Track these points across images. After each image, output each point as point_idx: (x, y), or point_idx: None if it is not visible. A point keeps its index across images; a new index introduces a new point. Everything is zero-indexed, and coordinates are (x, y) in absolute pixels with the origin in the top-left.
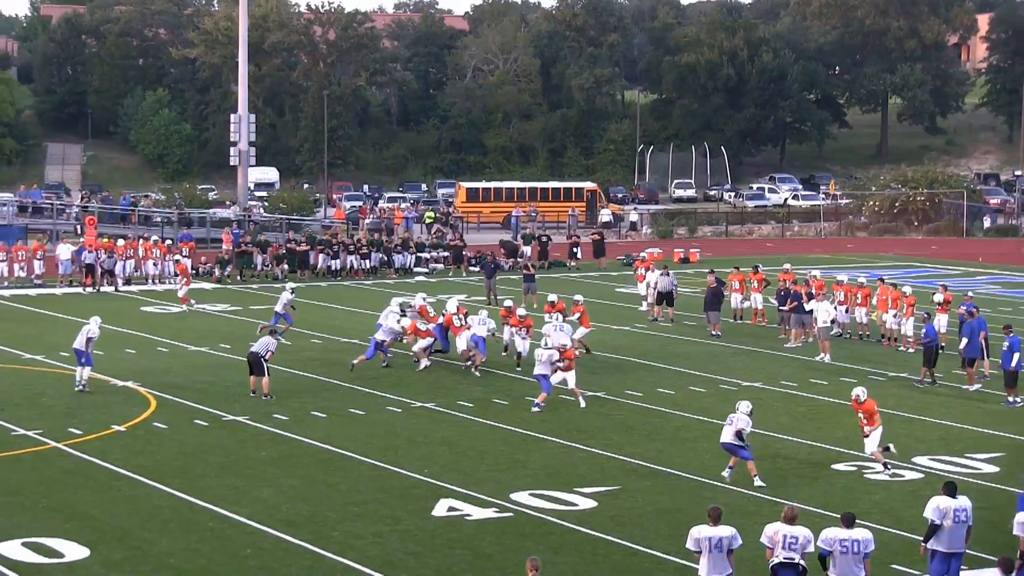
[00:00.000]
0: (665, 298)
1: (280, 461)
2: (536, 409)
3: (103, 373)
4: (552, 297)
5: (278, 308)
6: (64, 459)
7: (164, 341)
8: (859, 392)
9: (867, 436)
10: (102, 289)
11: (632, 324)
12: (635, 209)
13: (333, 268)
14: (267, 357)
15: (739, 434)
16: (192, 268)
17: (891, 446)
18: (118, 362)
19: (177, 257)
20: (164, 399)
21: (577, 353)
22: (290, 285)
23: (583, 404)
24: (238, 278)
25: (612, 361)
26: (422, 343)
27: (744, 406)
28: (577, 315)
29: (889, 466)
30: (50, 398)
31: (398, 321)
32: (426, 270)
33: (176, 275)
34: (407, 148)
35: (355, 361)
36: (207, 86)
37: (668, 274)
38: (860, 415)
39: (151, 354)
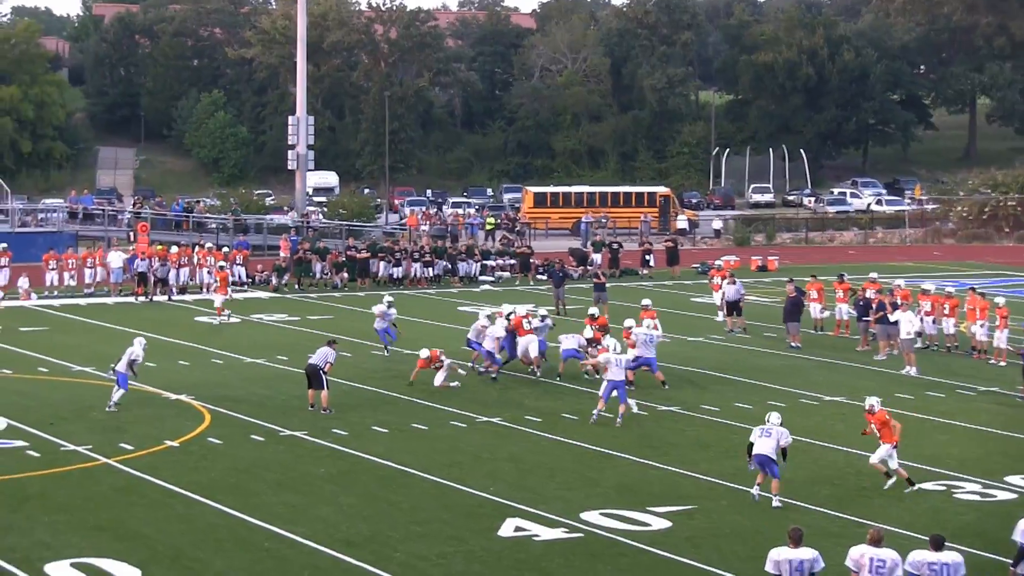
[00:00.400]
0: (733, 307)
1: (339, 478)
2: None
3: (155, 386)
4: (593, 310)
5: (379, 325)
6: (114, 475)
7: (219, 352)
8: (873, 402)
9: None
10: (155, 298)
11: (707, 335)
12: (718, 215)
13: (395, 276)
14: (326, 369)
15: (783, 451)
16: (248, 276)
17: (893, 480)
18: (171, 374)
19: (220, 263)
20: (218, 413)
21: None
22: (387, 298)
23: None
24: (296, 287)
25: (687, 374)
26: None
27: (775, 417)
28: (649, 320)
29: (892, 474)
30: (100, 412)
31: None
32: (492, 279)
33: (216, 284)
34: (471, 151)
35: (482, 368)
36: (264, 87)
37: (735, 282)
38: (872, 426)
39: (205, 366)
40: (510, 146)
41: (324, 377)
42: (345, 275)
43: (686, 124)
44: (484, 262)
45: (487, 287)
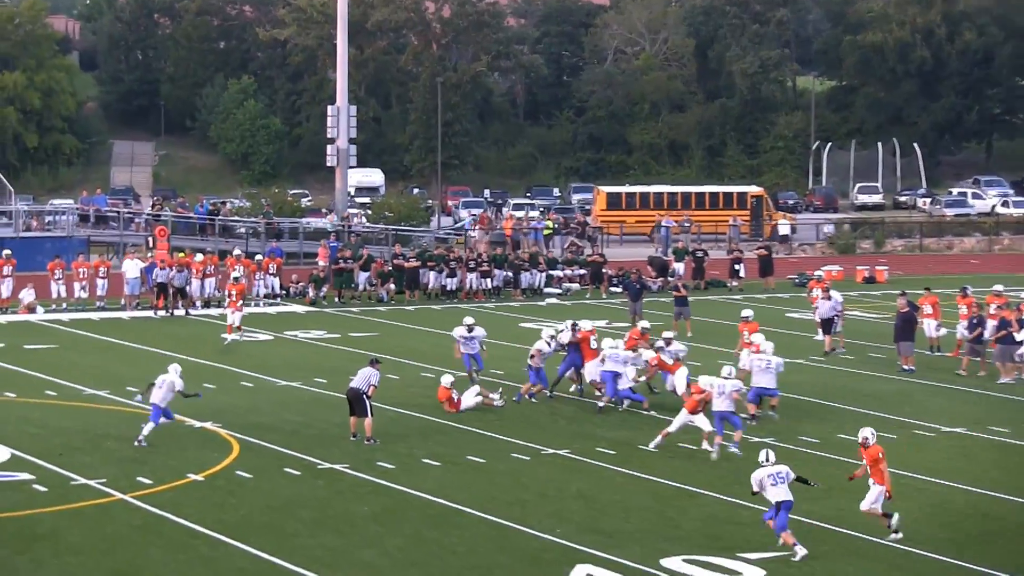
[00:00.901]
0: (827, 325)
1: (385, 517)
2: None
3: (177, 412)
4: (644, 324)
5: (465, 350)
6: (132, 513)
7: (248, 374)
8: (867, 435)
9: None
10: (175, 312)
11: (806, 356)
12: (820, 219)
13: (448, 288)
14: (369, 393)
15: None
16: (282, 288)
17: (894, 522)
18: (194, 399)
19: (235, 274)
20: (248, 443)
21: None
22: (467, 320)
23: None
24: (336, 300)
25: (782, 401)
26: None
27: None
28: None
29: (893, 527)
30: (116, 441)
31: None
32: (559, 291)
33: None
34: (536, 145)
35: (601, 404)
36: (300, 73)
37: (830, 296)
38: (864, 463)
39: (233, 389)
40: (580, 140)
41: (368, 402)
42: (392, 286)
43: (782, 114)
44: (550, 272)
45: (553, 301)
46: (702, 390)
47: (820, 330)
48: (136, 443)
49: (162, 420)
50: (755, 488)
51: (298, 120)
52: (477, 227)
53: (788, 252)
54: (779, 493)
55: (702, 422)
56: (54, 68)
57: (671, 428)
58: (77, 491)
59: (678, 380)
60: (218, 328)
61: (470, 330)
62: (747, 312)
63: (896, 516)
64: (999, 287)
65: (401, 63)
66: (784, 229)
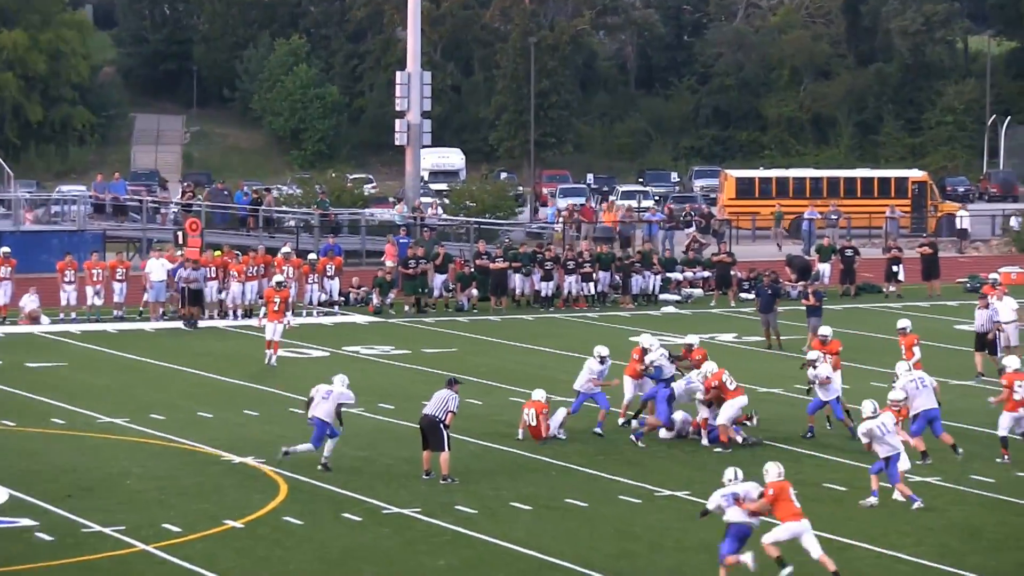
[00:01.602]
0: (980, 341)
1: (465, 572)
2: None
3: (211, 444)
4: (692, 339)
5: (584, 386)
6: (157, 567)
7: (298, 399)
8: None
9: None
10: (200, 322)
11: (979, 377)
12: (1005, 211)
13: (543, 293)
14: (447, 421)
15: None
16: (340, 294)
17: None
18: (233, 428)
19: (279, 278)
20: (298, 482)
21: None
22: (600, 350)
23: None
24: (405, 308)
25: (950, 432)
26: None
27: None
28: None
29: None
30: (138, 480)
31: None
32: (678, 297)
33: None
34: (650, 120)
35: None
36: (362, 32)
37: (988, 305)
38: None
39: (280, 417)
40: (703, 113)
41: (445, 433)
42: (474, 292)
43: (950, 83)
44: (667, 275)
45: (671, 309)
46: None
47: (1003, 344)
48: (320, 467)
49: (327, 439)
50: (710, 508)
51: (360, 89)
52: (579, 219)
53: (959, 250)
54: (734, 516)
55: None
56: (63, 25)
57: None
58: (90, 540)
59: (726, 409)
60: (259, 343)
61: (602, 362)
62: (904, 323)
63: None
64: None
65: (486, 19)
66: (962, 222)
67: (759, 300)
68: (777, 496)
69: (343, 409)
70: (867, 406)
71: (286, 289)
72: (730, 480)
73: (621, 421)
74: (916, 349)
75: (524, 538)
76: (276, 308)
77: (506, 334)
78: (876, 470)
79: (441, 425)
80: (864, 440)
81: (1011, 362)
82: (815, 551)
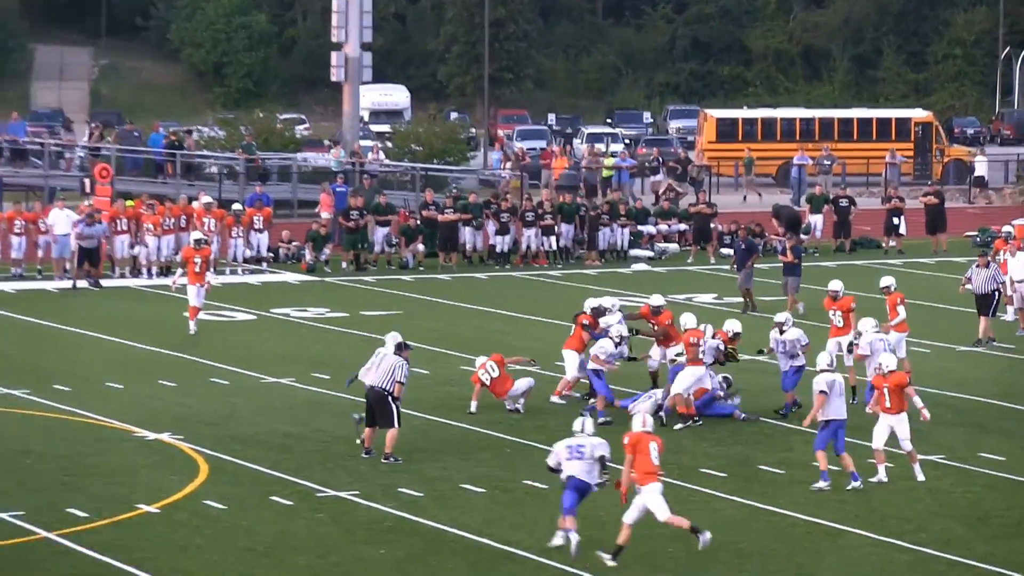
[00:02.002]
0: (983, 305)
1: (410, 564)
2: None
3: (122, 419)
4: (656, 300)
5: (593, 363)
6: (60, 558)
7: (222, 368)
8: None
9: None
10: (79, 283)
11: (989, 344)
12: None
13: (499, 249)
14: (395, 392)
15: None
16: (269, 249)
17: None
18: (147, 401)
19: (198, 236)
20: (221, 461)
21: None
22: (619, 325)
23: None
24: (343, 265)
25: (954, 405)
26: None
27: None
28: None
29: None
30: (38, 460)
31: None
32: (650, 253)
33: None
34: (619, 54)
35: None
36: None
37: (988, 264)
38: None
39: (200, 389)
40: (680, 46)
41: (394, 406)
42: (421, 247)
43: (958, 10)
44: (639, 228)
45: (642, 267)
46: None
47: (1018, 304)
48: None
49: None
50: (551, 464)
51: (291, 18)
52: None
53: (968, 200)
54: (572, 468)
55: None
56: None
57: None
58: None
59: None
60: (177, 305)
61: (620, 343)
62: (887, 280)
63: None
64: None
65: None
66: (980, 168)
67: (735, 256)
68: (634, 447)
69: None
70: (823, 358)
71: (207, 247)
72: (578, 431)
73: (554, 399)
74: (901, 308)
75: (477, 525)
76: (197, 270)
77: (456, 294)
78: (822, 445)
79: (390, 397)
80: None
81: None
82: (662, 513)
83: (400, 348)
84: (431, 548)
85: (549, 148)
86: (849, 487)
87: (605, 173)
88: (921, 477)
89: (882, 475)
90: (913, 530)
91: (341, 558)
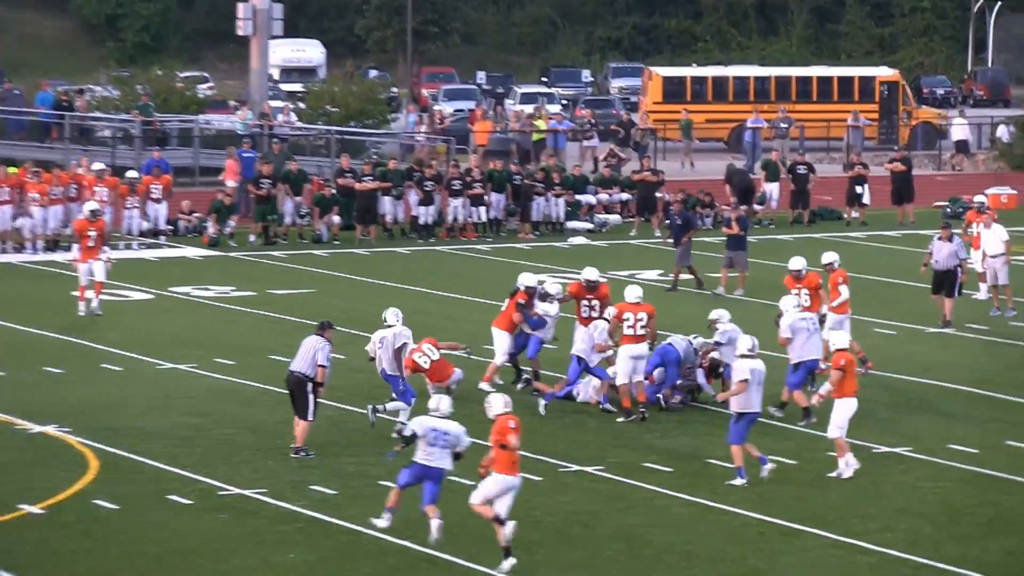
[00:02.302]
0: (943, 282)
1: (322, 568)
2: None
3: (2, 410)
4: (591, 275)
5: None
6: None
7: (115, 352)
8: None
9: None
10: None
11: (962, 325)
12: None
13: (422, 221)
14: (318, 378)
15: None
16: (168, 221)
17: None
18: (30, 389)
19: (93, 206)
20: (113, 456)
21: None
22: (554, 301)
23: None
24: (250, 239)
25: (920, 391)
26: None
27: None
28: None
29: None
30: None
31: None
32: (590, 225)
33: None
34: (556, 6)
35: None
36: None
37: (952, 237)
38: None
39: (91, 376)
40: None
41: (311, 397)
42: (336, 219)
43: None
44: (577, 198)
45: (581, 240)
46: None
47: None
48: (394, 440)
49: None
50: (406, 433)
51: None
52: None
53: (937, 167)
54: (433, 457)
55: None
56: None
57: None
58: None
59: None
60: (65, 283)
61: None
62: (830, 256)
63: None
64: None
65: None
66: (959, 132)
67: (671, 230)
68: (496, 432)
69: (404, 348)
70: (744, 342)
71: (102, 219)
72: (433, 410)
73: (483, 385)
74: (843, 288)
75: (396, 526)
76: (91, 244)
77: (376, 271)
78: (737, 439)
79: (309, 384)
80: (742, 379)
81: None
82: (502, 510)
83: (323, 328)
84: (345, 551)
85: (477, 109)
86: (764, 472)
87: (535, 137)
88: (848, 473)
89: (843, 469)
90: (877, 529)
91: (246, 563)
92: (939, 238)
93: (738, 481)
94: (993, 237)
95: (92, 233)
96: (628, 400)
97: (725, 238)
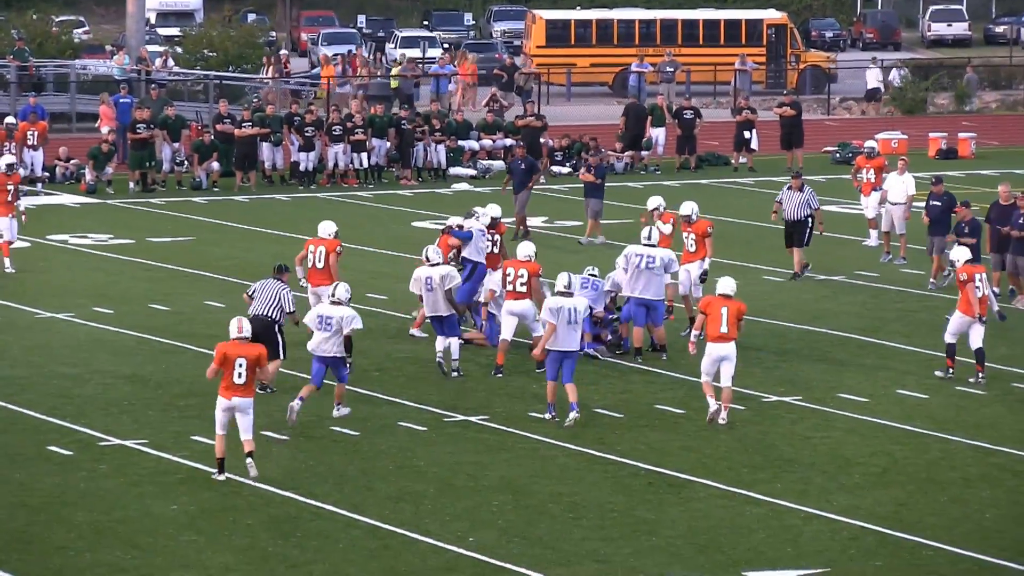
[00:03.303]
0: (794, 232)
1: (205, 520)
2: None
3: None
4: (494, 211)
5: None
6: None
7: None
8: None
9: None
10: None
11: (852, 273)
12: (879, 63)
13: (303, 167)
14: (282, 321)
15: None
16: (44, 169)
17: None
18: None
19: (9, 160)
20: None
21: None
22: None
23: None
24: (130, 186)
25: (812, 340)
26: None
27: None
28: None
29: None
30: None
31: None
32: (473, 172)
33: None
34: None
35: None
36: None
37: (803, 188)
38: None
39: None
40: None
41: (280, 337)
42: (215, 165)
43: None
44: (459, 143)
45: (464, 187)
46: None
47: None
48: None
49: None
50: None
51: None
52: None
53: (825, 111)
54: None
55: None
56: None
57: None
58: None
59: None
60: None
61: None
62: (688, 208)
63: None
64: None
65: None
66: (872, 79)
67: (511, 175)
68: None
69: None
70: (561, 278)
71: (17, 173)
72: (328, 295)
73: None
74: (708, 241)
75: (279, 477)
76: (10, 198)
77: (255, 219)
78: (552, 375)
79: (276, 326)
80: (547, 319)
81: (960, 253)
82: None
83: (279, 271)
84: (228, 503)
85: (359, 53)
86: (568, 420)
87: (392, 84)
88: (724, 420)
89: (713, 406)
90: (766, 479)
91: (127, 514)
92: (789, 188)
93: (547, 416)
94: (900, 185)
95: (10, 187)
96: (503, 356)
97: (583, 185)
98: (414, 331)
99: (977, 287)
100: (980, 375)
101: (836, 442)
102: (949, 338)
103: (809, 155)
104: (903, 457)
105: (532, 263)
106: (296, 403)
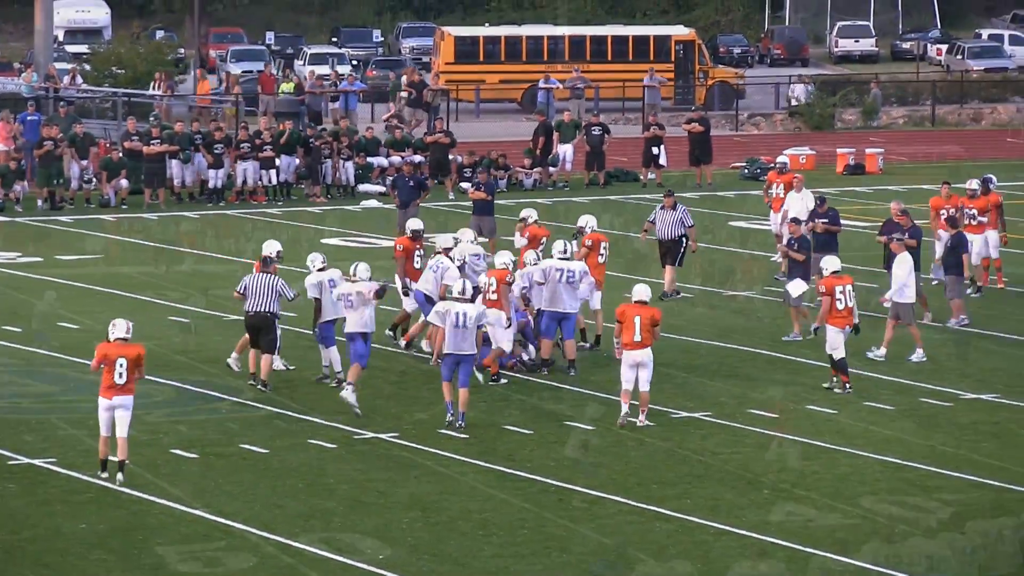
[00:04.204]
0: (668, 253)
1: (114, 538)
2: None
3: None
4: (415, 224)
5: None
6: None
7: None
8: None
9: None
10: None
11: (761, 287)
12: (799, 80)
13: (212, 185)
14: (279, 314)
15: None
16: None
17: None
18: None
19: None
20: None
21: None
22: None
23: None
24: (38, 203)
25: (721, 354)
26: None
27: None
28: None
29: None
30: None
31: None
32: (381, 188)
33: None
34: None
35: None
36: None
37: (676, 206)
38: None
39: None
40: None
41: (278, 331)
42: (124, 182)
43: None
44: (368, 160)
45: (372, 203)
46: None
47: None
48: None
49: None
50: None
51: None
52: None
53: (735, 127)
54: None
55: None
56: None
57: None
58: None
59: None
60: None
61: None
62: (585, 219)
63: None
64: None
65: None
66: (799, 96)
67: (397, 193)
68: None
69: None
70: (456, 284)
71: None
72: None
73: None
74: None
75: (188, 495)
76: None
77: (164, 236)
78: (447, 376)
79: (275, 320)
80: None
81: (830, 263)
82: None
83: (267, 264)
84: (137, 521)
85: (267, 71)
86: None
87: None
88: (643, 422)
89: (624, 410)
90: (676, 496)
91: (35, 533)
92: (662, 207)
93: (448, 416)
94: (800, 202)
95: None
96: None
97: (471, 203)
98: (423, 344)
99: (839, 299)
100: (843, 383)
101: (746, 458)
102: (835, 353)
103: (718, 171)
104: (812, 472)
105: (502, 270)
106: (350, 395)
